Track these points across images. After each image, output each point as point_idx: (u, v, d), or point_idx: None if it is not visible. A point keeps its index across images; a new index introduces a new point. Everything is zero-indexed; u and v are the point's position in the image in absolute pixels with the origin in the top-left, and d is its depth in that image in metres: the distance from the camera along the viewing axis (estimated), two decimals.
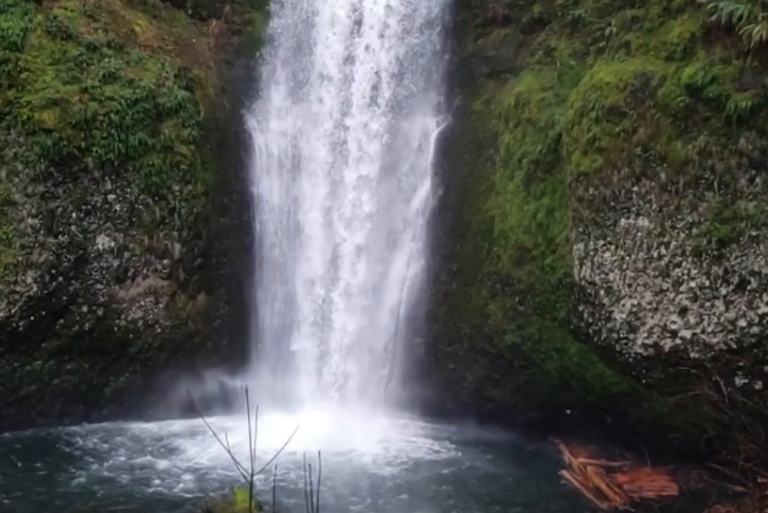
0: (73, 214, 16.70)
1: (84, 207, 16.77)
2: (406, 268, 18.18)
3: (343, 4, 18.48)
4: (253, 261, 18.53)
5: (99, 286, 16.99)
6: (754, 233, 13.12)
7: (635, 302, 14.38)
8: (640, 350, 14.40)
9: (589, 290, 14.97)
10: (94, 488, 14.19)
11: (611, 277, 14.64)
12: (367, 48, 18.21)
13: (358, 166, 18.12)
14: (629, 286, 14.43)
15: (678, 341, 14.00)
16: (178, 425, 17.13)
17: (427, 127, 18.39)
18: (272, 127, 18.82)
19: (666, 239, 14.00)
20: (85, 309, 16.92)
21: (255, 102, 18.87)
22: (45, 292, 16.45)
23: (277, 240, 18.70)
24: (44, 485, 14.23)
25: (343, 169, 18.21)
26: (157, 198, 17.31)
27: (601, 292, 14.77)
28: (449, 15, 18.44)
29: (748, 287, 13.26)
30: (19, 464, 15.11)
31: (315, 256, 18.43)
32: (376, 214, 18.11)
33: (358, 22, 18.32)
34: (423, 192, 18.20)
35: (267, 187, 18.68)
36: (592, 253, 14.87)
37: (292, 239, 18.67)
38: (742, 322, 13.34)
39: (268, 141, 18.75)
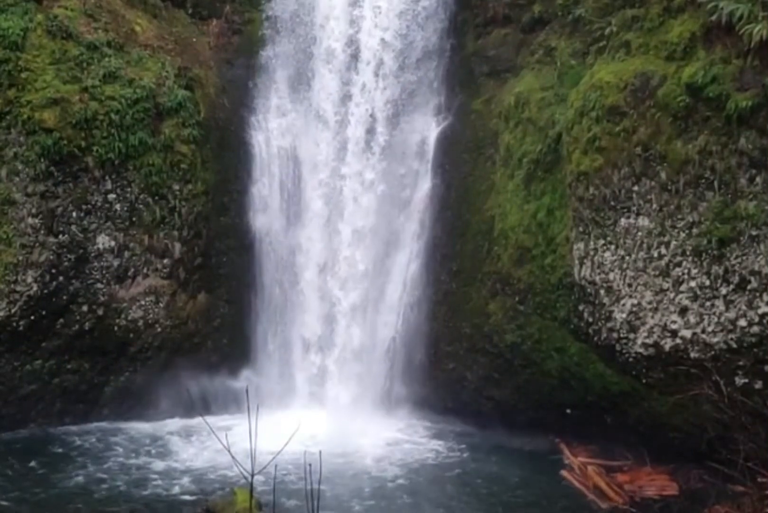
0: (74, 214, 16.69)
1: (84, 206, 16.77)
2: (406, 267, 18.18)
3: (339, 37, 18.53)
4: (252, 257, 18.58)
5: (99, 285, 16.99)
6: (754, 233, 13.12)
7: (635, 302, 14.38)
8: (640, 350, 14.40)
9: (589, 290, 14.97)
10: (92, 488, 14.20)
11: (611, 276, 14.63)
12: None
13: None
14: (629, 285, 14.43)
15: (678, 341, 14.00)
16: (178, 425, 17.14)
17: (427, 126, 18.38)
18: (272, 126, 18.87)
19: (666, 239, 14.00)
20: (85, 308, 16.92)
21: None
22: (45, 291, 16.45)
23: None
24: (42, 485, 14.23)
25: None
26: (157, 197, 17.31)
27: (602, 291, 14.77)
28: (449, 14, 18.45)
29: (749, 287, 13.27)
30: (18, 464, 15.11)
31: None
32: (376, 214, 18.15)
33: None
34: (423, 191, 18.19)
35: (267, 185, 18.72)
36: (592, 253, 14.86)
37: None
38: (742, 322, 13.34)
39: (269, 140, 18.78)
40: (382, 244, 18.26)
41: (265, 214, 18.64)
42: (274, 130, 18.82)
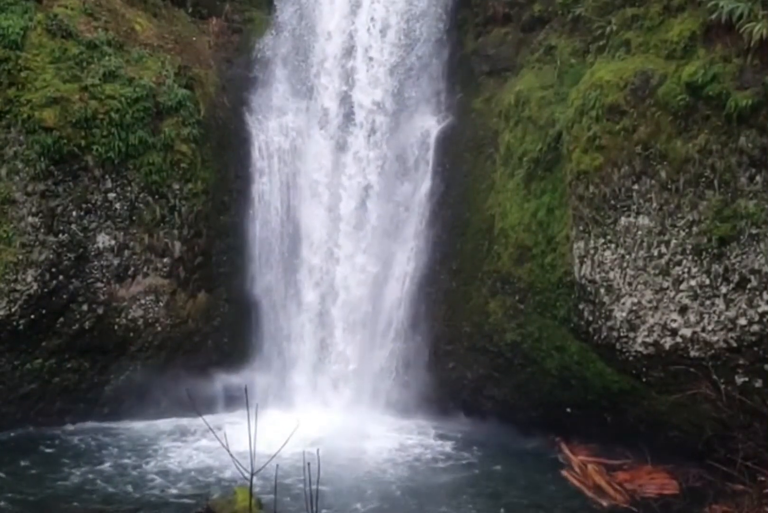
0: (74, 213, 16.69)
1: (84, 205, 16.77)
2: (406, 266, 18.19)
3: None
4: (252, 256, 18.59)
5: (99, 284, 17.00)
6: (754, 231, 13.12)
7: (635, 301, 14.38)
8: (640, 349, 14.40)
9: (589, 289, 14.97)
10: (90, 488, 14.15)
11: (611, 275, 14.63)
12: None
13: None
14: (629, 284, 14.43)
15: (678, 339, 14.00)
16: (177, 424, 17.10)
17: (427, 125, 18.39)
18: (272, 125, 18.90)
19: (666, 238, 14.00)
20: (85, 307, 16.92)
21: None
22: (45, 290, 16.45)
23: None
24: (39, 485, 14.18)
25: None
26: (157, 196, 17.31)
27: (602, 290, 14.77)
28: (449, 13, 18.45)
29: (749, 285, 13.27)
30: (16, 463, 15.08)
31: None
32: (376, 213, 18.18)
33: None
34: (423, 190, 18.20)
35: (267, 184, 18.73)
36: (592, 252, 14.86)
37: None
38: (742, 321, 13.34)
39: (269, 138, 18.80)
40: (383, 242, 18.26)
41: (265, 213, 18.65)
42: (274, 128, 18.83)
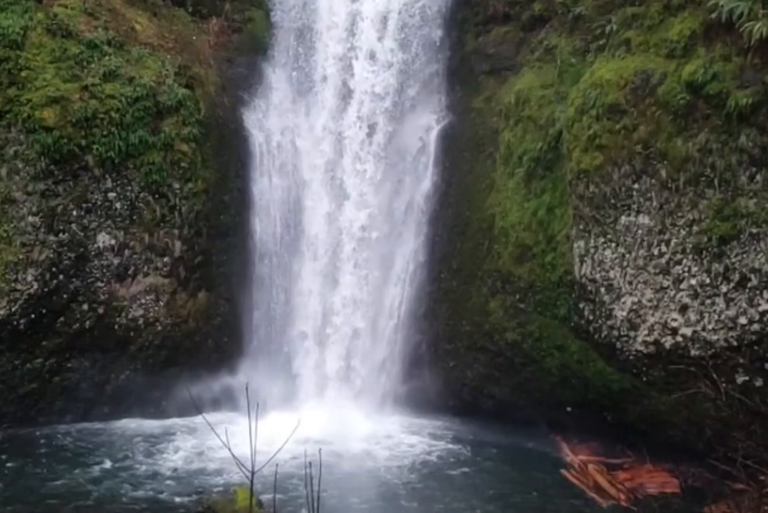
0: (74, 212, 16.70)
1: (84, 205, 16.77)
2: (407, 265, 18.20)
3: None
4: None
5: (99, 284, 17.00)
6: (754, 230, 13.10)
7: (636, 300, 14.38)
8: (640, 348, 14.40)
9: (589, 288, 14.97)
10: (89, 488, 14.15)
11: (612, 274, 14.63)
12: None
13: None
14: (630, 283, 14.43)
15: (678, 339, 14.00)
16: (178, 423, 17.13)
17: (427, 124, 18.38)
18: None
19: (666, 237, 13.99)
20: (85, 307, 16.93)
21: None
22: (45, 290, 16.45)
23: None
24: (37, 484, 14.18)
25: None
26: (157, 196, 17.31)
27: (602, 289, 14.77)
28: (449, 12, 18.45)
29: (749, 285, 13.26)
30: (14, 463, 15.08)
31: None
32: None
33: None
34: (423, 189, 18.21)
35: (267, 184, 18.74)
36: (592, 251, 14.86)
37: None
38: (742, 320, 13.34)
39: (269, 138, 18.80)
40: (383, 241, 18.27)
41: (265, 212, 18.65)
42: (274, 128, 18.84)
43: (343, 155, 18.39)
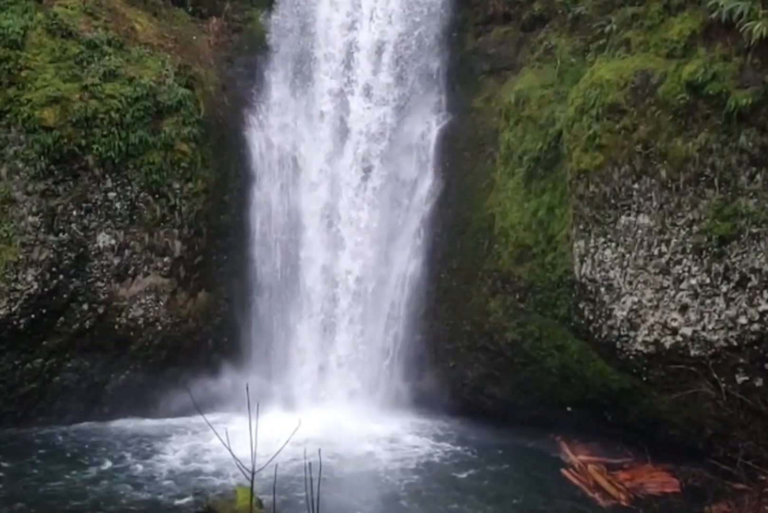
0: (74, 212, 16.70)
1: (84, 205, 16.77)
2: (406, 265, 18.19)
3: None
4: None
5: (99, 283, 17.00)
6: (754, 230, 13.11)
7: (636, 299, 14.38)
8: (640, 347, 14.40)
9: (589, 288, 14.97)
10: (87, 488, 14.13)
11: (612, 274, 14.63)
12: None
13: None
14: (630, 283, 14.43)
15: (678, 338, 14.00)
16: (178, 423, 17.11)
17: (427, 124, 18.38)
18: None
19: (666, 237, 13.99)
20: (85, 307, 16.93)
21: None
22: (45, 289, 16.46)
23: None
24: (36, 485, 14.16)
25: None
26: (157, 196, 17.31)
27: (602, 289, 14.77)
28: (449, 12, 18.45)
29: (749, 284, 13.26)
30: (13, 463, 15.06)
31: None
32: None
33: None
34: (424, 189, 18.21)
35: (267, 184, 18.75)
36: (592, 251, 14.86)
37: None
38: (742, 320, 13.34)
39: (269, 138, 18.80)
40: (383, 242, 18.27)
41: (265, 212, 18.65)
42: (274, 128, 18.83)
43: (342, 155, 18.40)
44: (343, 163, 18.33)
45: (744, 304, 13.32)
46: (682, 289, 13.91)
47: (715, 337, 13.62)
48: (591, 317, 15.03)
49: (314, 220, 18.55)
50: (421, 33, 18.20)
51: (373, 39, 18.23)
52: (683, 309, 13.93)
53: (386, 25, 18.22)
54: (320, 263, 18.42)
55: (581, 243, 15.02)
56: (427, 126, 18.33)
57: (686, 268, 13.84)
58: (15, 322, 16.26)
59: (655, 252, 14.13)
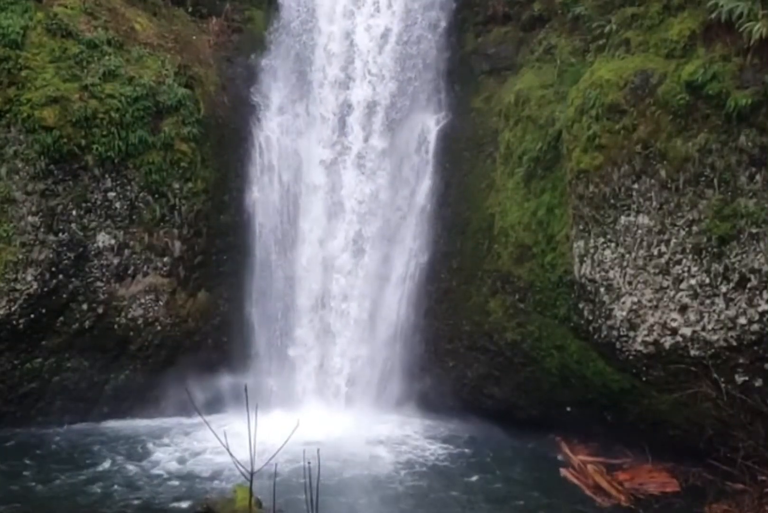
0: (74, 212, 16.70)
1: (84, 205, 16.77)
2: (406, 265, 18.20)
3: None
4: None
5: (99, 283, 17.00)
6: (754, 231, 13.11)
7: (635, 300, 14.38)
8: (640, 348, 14.40)
9: (589, 288, 14.97)
10: (86, 488, 14.11)
11: (611, 274, 14.63)
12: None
13: None
14: (629, 283, 14.43)
15: (678, 338, 14.00)
16: (178, 423, 17.11)
17: (427, 124, 18.38)
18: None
19: (666, 237, 14.00)
20: (85, 307, 16.93)
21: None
22: (45, 289, 16.46)
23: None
24: (34, 485, 14.14)
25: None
26: (157, 195, 17.31)
27: (602, 289, 14.76)
28: (449, 12, 18.44)
29: (749, 285, 13.26)
30: (12, 463, 15.05)
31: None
32: (378, 208, 18.19)
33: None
34: (423, 189, 18.20)
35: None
36: (592, 251, 14.86)
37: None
38: (742, 320, 13.34)
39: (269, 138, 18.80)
40: (383, 241, 18.27)
41: (264, 212, 18.65)
42: (274, 127, 18.83)
43: (342, 155, 18.38)
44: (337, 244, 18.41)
45: (744, 305, 13.32)
46: (682, 290, 13.91)
47: (715, 337, 13.62)
48: (591, 317, 15.03)
49: (314, 220, 18.55)
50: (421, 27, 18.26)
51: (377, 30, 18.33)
52: (683, 309, 13.93)
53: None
54: (320, 263, 18.41)
55: (581, 243, 15.02)
56: (427, 126, 18.33)
57: (686, 269, 13.84)
58: (14, 322, 16.27)
59: (655, 252, 14.13)
